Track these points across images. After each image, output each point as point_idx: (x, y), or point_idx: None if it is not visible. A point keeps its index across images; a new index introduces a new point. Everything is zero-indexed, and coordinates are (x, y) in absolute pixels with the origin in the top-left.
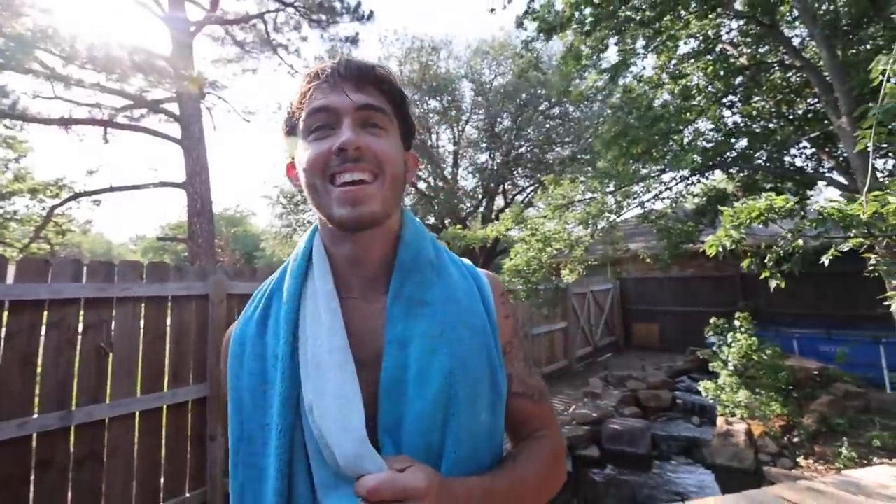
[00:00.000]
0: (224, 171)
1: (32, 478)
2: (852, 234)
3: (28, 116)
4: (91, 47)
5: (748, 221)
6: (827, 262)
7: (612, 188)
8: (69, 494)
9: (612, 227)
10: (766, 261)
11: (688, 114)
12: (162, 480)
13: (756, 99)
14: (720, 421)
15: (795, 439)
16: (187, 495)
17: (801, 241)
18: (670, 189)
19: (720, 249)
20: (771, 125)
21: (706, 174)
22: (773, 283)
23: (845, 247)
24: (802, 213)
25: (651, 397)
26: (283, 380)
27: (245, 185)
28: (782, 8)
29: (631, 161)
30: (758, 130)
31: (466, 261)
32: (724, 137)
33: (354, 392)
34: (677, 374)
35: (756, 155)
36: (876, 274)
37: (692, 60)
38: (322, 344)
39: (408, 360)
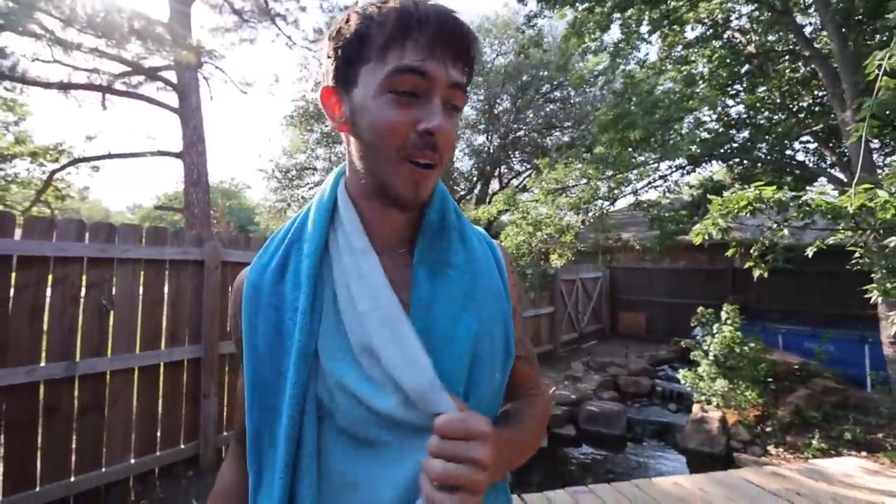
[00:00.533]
0: (220, 144)
1: (40, 423)
2: (840, 227)
3: (27, 79)
4: (91, 10)
5: (736, 210)
6: (811, 254)
7: (607, 174)
8: (73, 442)
9: (604, 215)
10: (751, 251)
11: (689, 101)
12: (159, 434)
13: (761, 89)
14: (696, 408)
15: (768, 429)
16: (182, 447)
17: (786, 231)
18: (665, 179)
19: (706, 238)
20: (774, 117)
21: (704, 164)
22: (756, 273)
23: (832, 240)
24: (793, 204)
25: (631, 383)
26: (301, 333)
27: (240, 159)
28: None
29: (629, 149)
30: (761, 122)
31: (480, 229)
32: (725, 128)
33: (415, 339)
34: (659, 363)
35: (757, 147)
36: (858, 267)
37: (698, 46)
38: (370, 298)
39: (434, 322)
